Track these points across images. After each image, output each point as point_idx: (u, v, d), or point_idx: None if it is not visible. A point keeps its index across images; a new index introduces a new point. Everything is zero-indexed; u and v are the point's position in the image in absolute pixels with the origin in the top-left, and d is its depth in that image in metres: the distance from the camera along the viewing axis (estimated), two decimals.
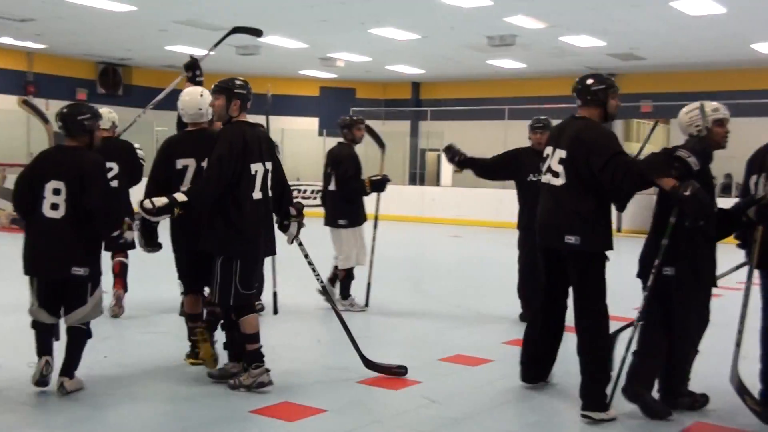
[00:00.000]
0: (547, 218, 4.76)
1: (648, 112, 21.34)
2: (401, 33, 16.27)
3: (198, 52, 19.16)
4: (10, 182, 15.43)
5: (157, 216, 4.65)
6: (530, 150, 7.10)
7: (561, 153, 4.65)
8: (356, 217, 7.58)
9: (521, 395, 5.04)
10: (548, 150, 4.80)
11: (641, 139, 23.05)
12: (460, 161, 6.71)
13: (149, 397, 4.73)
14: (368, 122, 8.03)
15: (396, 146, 23.64)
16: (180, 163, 5.12)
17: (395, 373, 5.26)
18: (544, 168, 4.82)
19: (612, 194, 4.63)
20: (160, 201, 4.56)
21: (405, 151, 23.41)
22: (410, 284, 8.85)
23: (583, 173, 4.56)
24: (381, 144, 8.15)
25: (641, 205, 8.41)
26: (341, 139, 7.78)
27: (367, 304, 7.68)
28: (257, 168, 4.79)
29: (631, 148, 21.70)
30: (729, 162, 19.09)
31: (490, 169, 7.14)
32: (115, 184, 6.09)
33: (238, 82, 4.84)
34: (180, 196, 4.62)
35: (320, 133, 23.45)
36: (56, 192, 4.57)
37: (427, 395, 4.84)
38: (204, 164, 4.96)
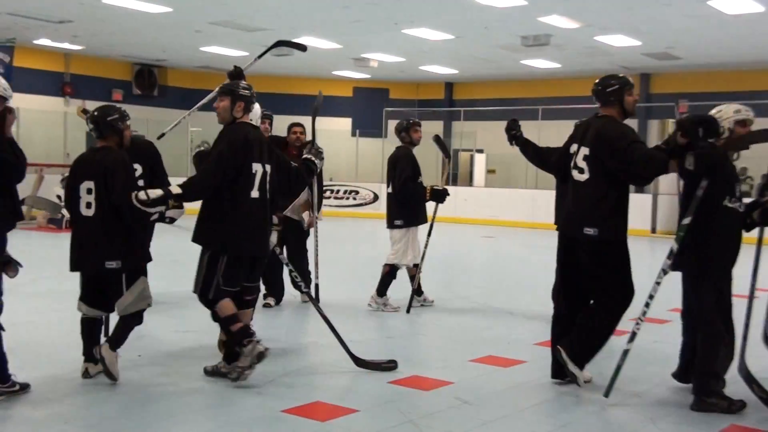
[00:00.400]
0: (570, 209, 5.07)
1: (684, 113, 21.08)
2: (435, 33, 16.25)
3: (232, 53, 19.47)
4: (47, 183, 15.67)
5: (151, 207, 4.77)
6: None
7: (585, 150, 4.95)
8: (412, 218, 7.60)
9: (553, 396, 5.01)
10: (573, 147, 5.07)
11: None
12: (516, 136, 6.38)
13: (181, 395, 4.77)
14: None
15: (429, 147, 23.63)
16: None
17: (385, 369, 5.35)
18: (571, 164, 5.06)
19: (632, 178, 4.92)
20: (155, 193, 4.71)
21: (438, 151, 23.33)
22: (442, 285, 8.84)
23: (606, 169, 4.85)
24: (447, 155, 8.26)
25: (674, 206, 8.31)
26: (397, 141, 7.83)
27: (408, 311, 7.60)
28: (257, 168, 4.91)
29: None
30: (766, 163, 18.79)
31: (542, 157, 6.97)
32: (141, 184, 6.13)
33: (243, 85, 5.02)
34: (175, 189, 4.77)
35: (353, 134, 23.51)
36: (89, 191, 4.79)
37: (459, 396, 4.83)
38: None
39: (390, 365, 5.38)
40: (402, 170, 7.51)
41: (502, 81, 23.20)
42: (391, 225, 7.64)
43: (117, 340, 4.85)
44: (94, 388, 4.79)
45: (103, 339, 5.01)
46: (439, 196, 7.64)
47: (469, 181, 22.94)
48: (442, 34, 16.30)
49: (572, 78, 21.76)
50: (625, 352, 4.84)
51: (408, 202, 7.55)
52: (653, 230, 18.83)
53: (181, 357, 5.60)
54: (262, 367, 5.33)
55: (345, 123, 24.01)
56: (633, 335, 4.86)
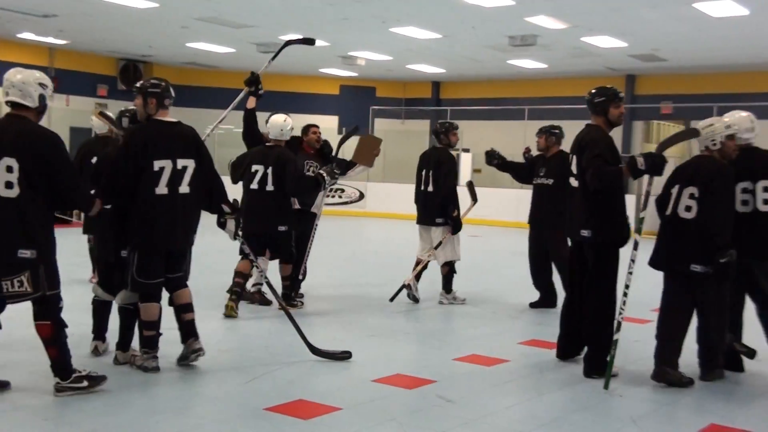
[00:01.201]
0: (572, 215, 5.58)
1: (668, 114, 21.21)
2: (422, 32, 16.26)
3: (219, 49, 19.42)
4: None
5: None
6: (540, 155, 8.12)
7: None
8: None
9: (535, 396, 5.04)
10: (572, 157, 5.57)
11: (661, 140, 22.94)
12: (500, 165, 7.99)
13: (163, 392, 4.76)
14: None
15: (415, 145, 23.63)
16: (254, 168, 7.04)
17: (340, 358, 5.53)
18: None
19: (585, 182, 5.35)
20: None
21: (424, 150, 23.39)
22: (427, 283, 8.85)
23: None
24: (474, 198, 8.71)
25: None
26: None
27: (392, 300, 8.03)
28: (163, 164, 4.98)
29: (651, 149, 21.64)
30: None
31: (524, 173, 8.26)
32: None
33: (153, 82, 5.15)
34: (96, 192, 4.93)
35: (340, 132, 23.49)
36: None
37: (442, 395, 4.84)
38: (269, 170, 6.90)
39: (344, 355, 5.56)
40: (450, 172, 8.03)
41: (489, 81, 23.24)
42: (433, 223, 8.01)
43: (124, 340, 5.27)
44: None
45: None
46: (458, 224, 7.98)
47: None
48: (429, 33, 16.30)
49: (559, 78, 21.83)
50: (615, 342, 5.13)
51: (450, 201, 7.91)
52: (638, 231, 18.92)
53: (163, 355, 5.56)
54: (244, 365, 5.34)
55: (331, 121, 23.97)
56: (618, 325, 5.15)
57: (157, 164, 4.96)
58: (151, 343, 5.10)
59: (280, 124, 7.23)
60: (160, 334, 5.15)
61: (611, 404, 4.87)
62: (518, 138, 16.91)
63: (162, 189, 4.98)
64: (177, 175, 5.03)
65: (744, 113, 5.47)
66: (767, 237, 5.34)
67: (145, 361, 5.09)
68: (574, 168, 5.48)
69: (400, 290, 8.04)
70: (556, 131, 8.03)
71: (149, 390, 4.76)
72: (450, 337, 6.65)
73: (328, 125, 24.31)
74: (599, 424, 4.47)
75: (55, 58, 20.88)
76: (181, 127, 5.18)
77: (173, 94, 5.19)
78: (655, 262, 5.56)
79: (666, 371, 5.22)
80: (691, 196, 5.26)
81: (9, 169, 4.25)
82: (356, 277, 8.95)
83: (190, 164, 5.06)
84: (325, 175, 6.91)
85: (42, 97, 4.45)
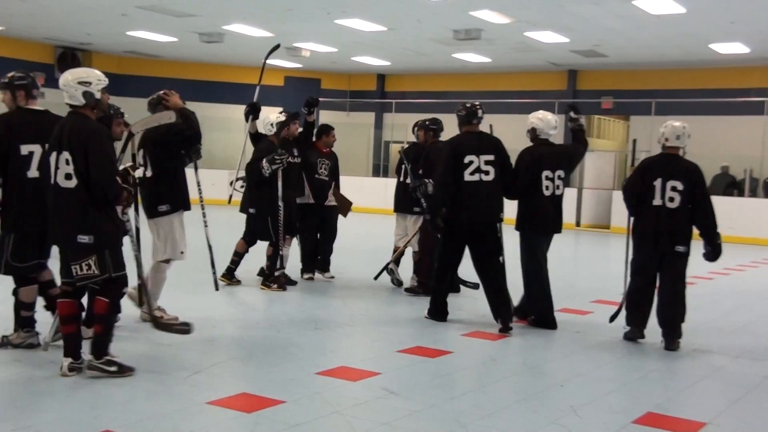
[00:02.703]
0: (483, 202, 6.61)
1: (609, 109, 21.62)
2: (367, 24, 16.24)
3: (160, 38, 19.03)
4: None
5: None
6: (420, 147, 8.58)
7: (487, 157, 6.61)
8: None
9: (478, 387, 5.09)
10: (472, 157, 6.57)
11: (602, 135, 23.35)
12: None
13: (105, 386, 4.67)
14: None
15: (360, 138, 23.63)
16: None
17: (178, 330, 5.49)
18: (473, 168, 6.57)
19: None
20: None
21: (369, 143, 23.42)
22: (369, 276, 8.87)
23: (503, 170, 6.71)
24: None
25: (599, 201, 8.90)
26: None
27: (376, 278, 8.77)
28: (32, 149, 5.15)
29: (592, 144, 22.02)
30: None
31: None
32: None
33: (19, 75, 5.36)
34: None
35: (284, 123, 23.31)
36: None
37: (386, 386, 4.86)
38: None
39: (184, 327, 5.47)
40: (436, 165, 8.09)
41: (433, 74, 23.34)
42: (410, 211, 8.41)
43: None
44: (16, 378, 4.66)
45: None
46: None
47: None
48: (374, 25, 16.29)
49: (503, 73, 22.06)
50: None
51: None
52: (578, 224, 19.26)
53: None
54: (186, 358, 5.28)
55: (275, 112, 23.81)
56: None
57: (24, 148, 5.14)
58: (29, 323, 5.38)
59: (266, 121, 8.30)
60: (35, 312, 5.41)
61: (552, 394, 4.96)
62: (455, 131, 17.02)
63: (33, 173, 5.14)
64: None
65: (677, 123, 6.48)
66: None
67: (27, 339, 5.35)
68: (483, 166, 6.58)
69: (383, 270, 8.69)
70: (434, 126, 8.36)
71: (88, 385, 4.66)
72: (394, 329, 6.67)
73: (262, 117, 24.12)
74: (540, 413, 4.54)
75: None
76: (49, 116, 5.29)
77: (40, 86, 5.45)
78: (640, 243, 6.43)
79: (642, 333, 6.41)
80: (674, 189, 6.23)
81: (67, 162, 4.67)
82: (298, 268, 8.92)
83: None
84: (264, 163, 7.63)
85: (86, 94, 4.74)
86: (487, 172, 6.59)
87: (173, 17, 16.36)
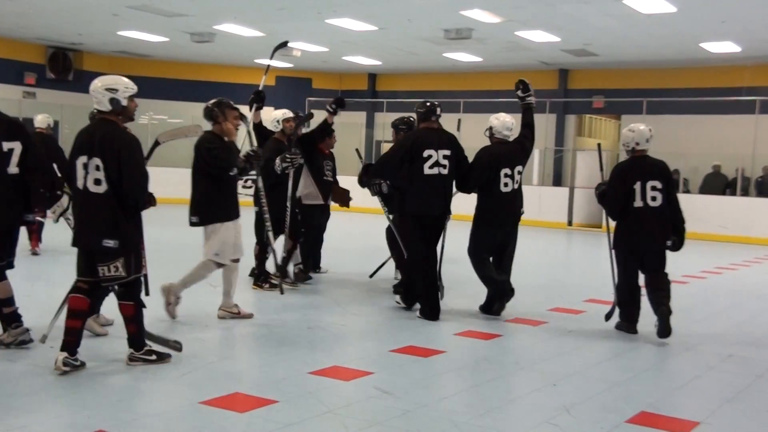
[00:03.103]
0: (438, 197, 6.99)
1: (600, 108, 21.67)
2: (358, 24, 16.23)
3: (151, 38, 18.93)
4: None
5: None
6: None
7: (445, 152, 6.96)
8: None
9: (471, 386, 5.09)
10: (431, 151, 6.90)
11: (593, 134, 23.38)
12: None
13: (95, 385, 4.65)
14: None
15: (351, 137, 23.59)
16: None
17: (171, 347, 5.36)
18: (432, 162, 6.88)
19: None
20: None
21: (360, 142, 23.40)
22: (361, 276, 8.87)
23: (458, 164, 7.11)
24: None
25: (591, 200, 9.03)
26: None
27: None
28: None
29: (583, 143, 22.07)
30: (677, 159, 19.53)
31: None
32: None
33: None
34: None
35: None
36: None
37: (379, 386, 4.85)
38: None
39: (176, 345, 5.39)
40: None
41: (424, 73, 23.35)
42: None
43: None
44: (8, 378, 4.64)
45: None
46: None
47: None
48: (365, 25, 16.29)
49: (493, 72, 22.08)
50: None
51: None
52: (569, 223, 19.30)
53: (101, 346, 5.44)
54: (179, 358, 5.26)
55: (266, 112, 23.77)
56: None
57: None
58: (16, 318, 5.41)
59: (272, 117, 8.53)
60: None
61: (545, 393, 4.96)
62: (452, 130, 17.01)
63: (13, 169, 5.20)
64: (4, 157, 5.21)
65: (642, 126, 6.78)
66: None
67: (19, 336, 5.37)
68: (440, 160, 6.90)
69: (379, 269, 8.99)
70: (404, 127, 8.31)
71: (81, 385, 4.64)
72: (386, 329, 6.67)
73: (264, 116, 24.10)
74: (533, 413, 4.54)
75: None
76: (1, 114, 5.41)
77: None
78: (630, 244, 6.60)
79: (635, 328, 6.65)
80: (654, 188, 6.49)
81: (97, 168, 4.82)
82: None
83: (16, 146, 5.23)
84: (277, 161, 7.78)
85: (113, 101, 4.90)
86: (444, 166, 6.93)
87: (164, 17, 16.31)
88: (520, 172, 7.20)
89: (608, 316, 6.76)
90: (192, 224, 6.45)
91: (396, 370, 5.33)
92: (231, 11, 15.68)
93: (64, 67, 21.67)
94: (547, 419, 4.38)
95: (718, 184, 18.21)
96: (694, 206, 17.65)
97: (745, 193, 18.06)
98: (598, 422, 4.38)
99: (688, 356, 6.13)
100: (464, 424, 4.23)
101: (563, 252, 14.14)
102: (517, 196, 7.22)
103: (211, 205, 6.37)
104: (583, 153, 20.19)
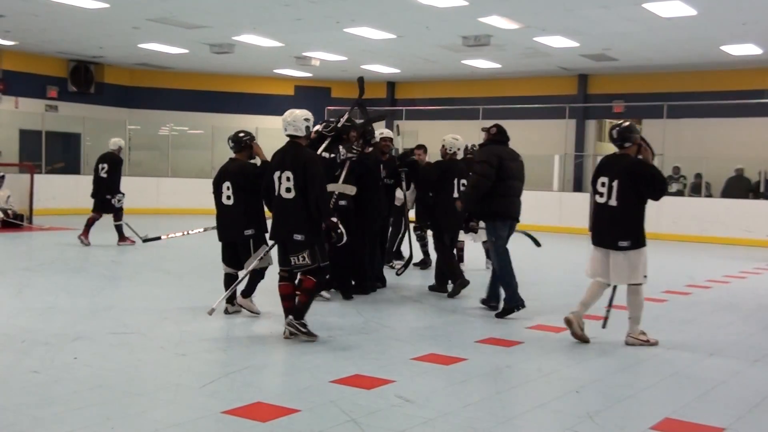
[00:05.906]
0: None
1: (620, 112, 21.55)
2: (376, 32, 16.27)
3: (171, 50, 19.15)
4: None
5: None
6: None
7: (288, 173, 6.75)
8: None
9: (493, 394, 5.07)
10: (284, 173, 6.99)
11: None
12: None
13: (116, 399, 4.69)
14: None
15: None
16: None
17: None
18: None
19: None
20: None
21: None
22: (381, 283, 8.86)
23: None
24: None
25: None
26: None
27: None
28: None
29: (603, 148, 21.95)
30: (699, 162, 19.36)
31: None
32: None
33: None
34: None
35: None
36: (227, 188, 6.98)
37: (401, 394, 4.85)
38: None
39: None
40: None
41: (443, 80, 23.36)
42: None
43: (248, 290, 7.11)
44: (32, 389, 4.69)
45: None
46: None
47: None
48: (383, 33, 16.32)
49: (512, 78, 22.04)
50: None
51: None
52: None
53: (118, 357, 5.49)
54: (201, 368, 5.28)
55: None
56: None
57: None
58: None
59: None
60: None
61: (568, 400, 4.93)
62: (473, 138, 16.97)
63: None
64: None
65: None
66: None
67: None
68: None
69: (406, 266, 9.48)
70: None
71: (103, 396, 4.67)
72: (407, 337, 6.66)
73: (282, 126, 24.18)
74: (556, 420, 4.52)
75: (2, 59, 20.46)
76: None
77: None
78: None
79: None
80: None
81: (288, 179, 6.13)
82: None
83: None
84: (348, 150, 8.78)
85: (307, 128, 6.29)
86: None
87: (184, 29, 16.45)
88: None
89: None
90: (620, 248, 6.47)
91: (417, 378, 5.32)
92: (250, 22, 15.78)
93: (86, 80, 21.90)
94: (570, 426, 4.36)
95: (741, 187, 18.02)
96: (716, 210, 17.57)
97: None
98: (622, 429, 4.35)
99: (712, 362, 6.07)
100: (487, 431, 4.21)
101: (584, 258, 14.01)
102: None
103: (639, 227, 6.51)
104: None
